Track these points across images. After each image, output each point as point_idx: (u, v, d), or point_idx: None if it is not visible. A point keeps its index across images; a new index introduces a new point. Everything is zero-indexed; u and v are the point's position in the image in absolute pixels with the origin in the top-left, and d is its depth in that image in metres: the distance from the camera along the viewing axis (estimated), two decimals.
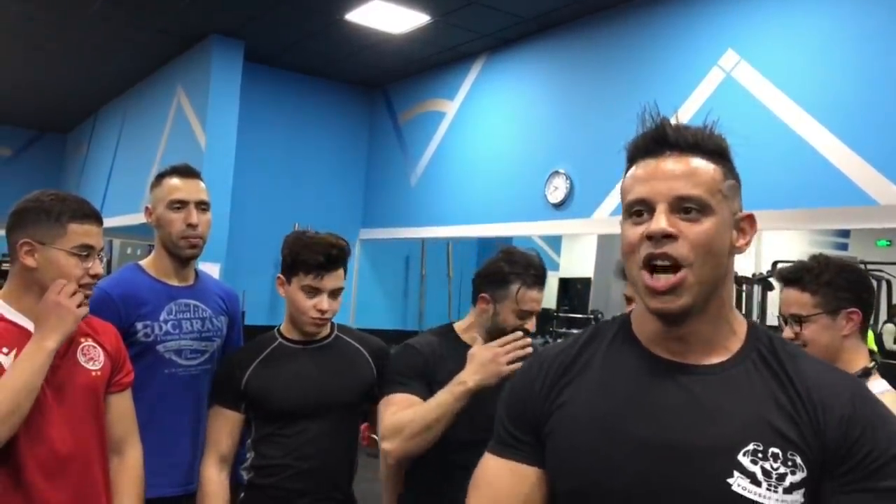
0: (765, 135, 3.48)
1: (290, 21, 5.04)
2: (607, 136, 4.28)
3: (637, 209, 0.99)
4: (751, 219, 1.01)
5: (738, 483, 0.88)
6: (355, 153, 6.57)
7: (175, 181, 2.03)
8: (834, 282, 1.65)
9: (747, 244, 0.99)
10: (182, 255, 2.03)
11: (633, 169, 1.03)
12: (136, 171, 6.71)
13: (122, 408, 1.75)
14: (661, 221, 0.94)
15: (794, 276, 1.69)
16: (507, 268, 1.85)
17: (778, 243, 10.96)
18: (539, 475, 1.02)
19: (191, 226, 2.00)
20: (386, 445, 1.69)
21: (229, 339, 2.16)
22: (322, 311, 1.88)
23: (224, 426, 1.92)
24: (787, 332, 1.68)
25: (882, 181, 3.04)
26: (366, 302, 6.43)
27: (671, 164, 0.98)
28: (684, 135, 0.99)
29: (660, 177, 0.97)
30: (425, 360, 1.81)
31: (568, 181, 4.45)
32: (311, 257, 1.87)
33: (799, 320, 1.66)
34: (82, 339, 1.68)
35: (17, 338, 1.58)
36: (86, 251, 1.62)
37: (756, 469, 0.89)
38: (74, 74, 6.81)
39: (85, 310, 1.63)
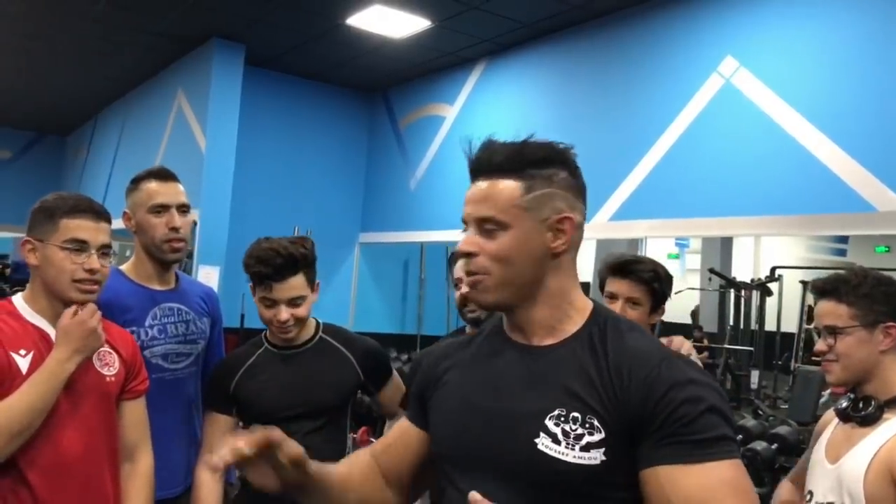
0: (763, 141, 3.50)
1: (291, 25, 5.06)
2: (606, 142, 4.29)
3: (463, 228, 1.16)
4: (568, 220, 1.11)
5: (542, 442, 1.02)
6: (355, 157, 6.58)
7: (154, 185, 2.01)
8: (872, 294, 1.60)
9: (565, 244, 1.11)
10: (165, 258, 2.02)
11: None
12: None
13: (135, 415, 1.76)
14: (462, 243, 1.13)
15: (831, 286, 1.64)
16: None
17: (776, 249, 10.98)
18: (420, 435, 1.23)
19: (173, 229, 1.99)
20: None
21: (211, 339, 2.17)
22: (282, 322, 1.87)
23: (217, 430, 1.94)
24: (821, 345, 1.64)
25: (880, 188, 3.06)
26: (365, 305, 6.43)
27: (478, 187, 1.13)
28: (489, 158, 1.12)
29: (471, 200, 1.13)
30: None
31: None
32: (259, 269, 1.86)
33: (833, 332, 1.62)
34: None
35: (34, 340, 1.60)
36: (78, 245, 1.61)
37: (557, 430, 1.02)
38: (75, 77, 6.82)
39: (104, 335, 1.65)
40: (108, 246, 1.67)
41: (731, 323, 9.15)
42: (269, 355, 1.97)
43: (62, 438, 1.57)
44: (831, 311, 1.62)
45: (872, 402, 1.57)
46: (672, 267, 12.27)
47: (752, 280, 9.42)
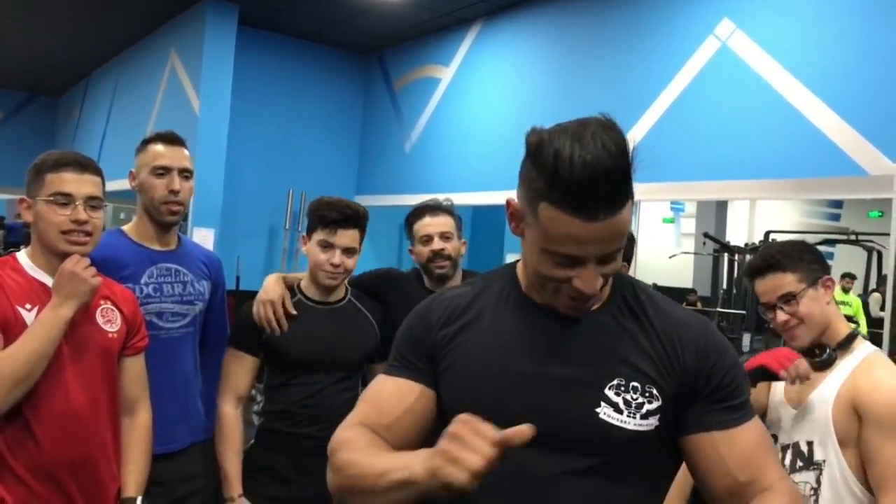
0: (759, 104, 3.49)
1: None
2: (603, 104, 4.25)
3: (566, 259, 1.03)
4: None
5: (604, 412, 1.05)
6: (350, 119, 6.54)
7: (159, 147, 2.06)
8: (804, 257, 1.77)
9: None
10: (163, 220, 2.05)
11: (556, 215, 0.99)
12: (130, 136, 6.67)
13: (135, 370, 1.82)
14: (593, 285, 1.03)
15: (773, 261, 1.78)
16: (412, 216, 2.29)
17: (771, 214, 11.01)
18: (425, 392, 1.15)
19: (172, 192, 2.02)
20: None
21: (213, 303, 2.20)
22: (335, 266, 2.04)
23: (242, 368, 2.08)
24: (782, 316, 1.75)
25: (873, 152, 3.06)
26: (360, 268, 6.44)
27: (606, 224, 0.98)
28: (613, 188, 0.97)
29: (594, 240, 0.99)
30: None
31: None
32: (327, 213, 2.05)
33: (789, 299, 1.74)
34: (102, 302, 1.74)
35: (39, 294, 1.64)
36: (62, 198, 1.64)
37: (619, 400, 1.06)
38: (67, 37, 6.74)
39: (99, 280, 1.68)
40: (96, 198, 1.70)
41: (725, 287, 9.22)
42: (304, 306, 2.11)
43: (67, 391, 1.63)
44: (781, 283, 1.76)
45: (827, 348, 1.74)
46: (667, 231, 12.35)
47: (746, 244, 9.47)
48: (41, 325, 1.57)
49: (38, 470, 1.59)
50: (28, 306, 1.61)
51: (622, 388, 1.06)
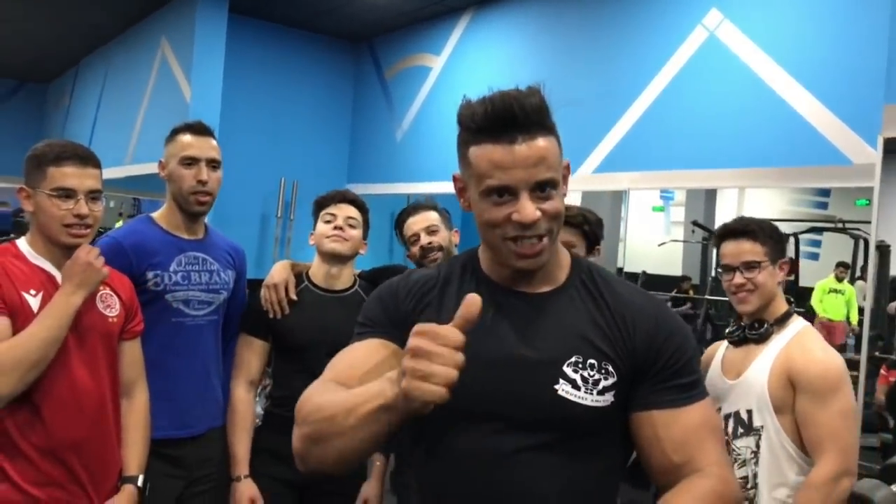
0: (746, 94, 3.53)
1: None
2: (592, 93, 4.31)
3: (497, 194, 1.08)
4: (568, 169, 1.15)
5: (563, 388, 1.08)
6: (341, 107, 6.55)
7: (188, 138, 2.10)
8: (773, 236, 1.94)
9: (566, 195, 1.15)
10: (191, 209, 2.10)
11: (482, 150, 1.08)
12: (120, 124, 6.67)
13: (132, 354, 1.87)
14: (529, 212, 1.06)
15: (748, 229, 1.94)
16: (398, 222, 2.39)
17: (760, 203, 11.06)
18: (399, 351, 1.08)
19: (200, 182, 2.07)
20: None
21: (235, 292, 2.26)
22: (338, 229, 2.15)
23: (253, 353, 2.16)
24: (739, 279, 1.92)
25: (857, 141, 3.11)
26: (358, 261, 6.48)
27: (527, 147, 1.05)
28: (525, 112, 1.05)
29: (519, 164, 1.05)
30: None
31: None
32: (327, 196, 2.22)
33: (751, 267, 1.91)
34: (101, 288, 1.79)
35: (42, 281, 1.69)
36: (65, 192, 1.68)
37: (577, 377, 1.08)
38: (55, 23, 6.71)
39: (107, 270, 1.74)
40: (97, 191, 1.74)
41: (713, 275, 9.29)
42: (309, 294, 2.18)
43: (72, 374, 1.69)
44: (750, 249, 1.92)
45: (765, 323, 1.92)
46: (657, 219, 12.41)
47: None
48: (53, 311, 1.62)
49: (45, 450, 1.65)
50: (32, 292, 1.66)
51: (580, 366, 1.09)
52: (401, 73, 6.03)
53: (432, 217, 2.34)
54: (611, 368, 1.10)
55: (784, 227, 10.23)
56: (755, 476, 1.86)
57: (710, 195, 10.90)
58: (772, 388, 1.84)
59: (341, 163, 6.52)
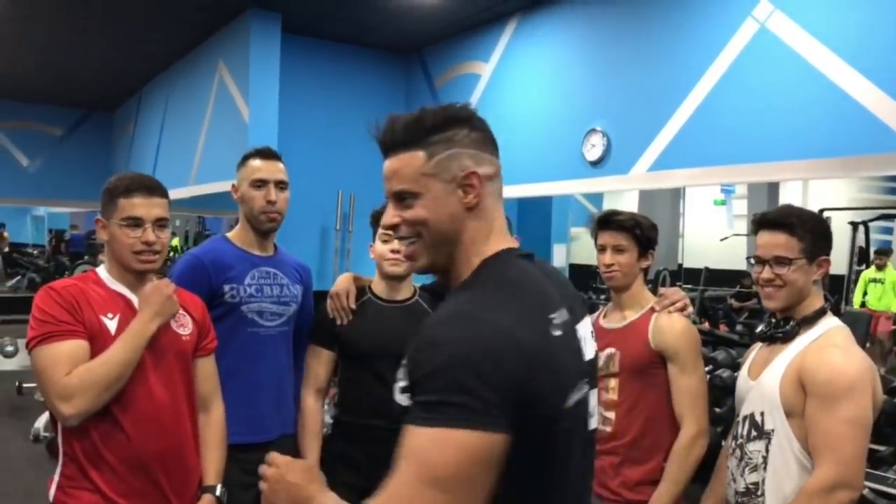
0: (801, 84, 3.47)
1: None
2: (643, 92, 4.29)
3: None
4: (475, 175, 1.18)
5: (397, 385, 1.09)
6: None
7: (257, 162, 2.29)
8: (815, 230, 1.80)
9: (476, 197, 1.17)
10: (262, 228, 2.28)
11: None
12: (183, 147, 6.90)
13: (207, 370, 2.00)
14: (387, 217, 1.23)
15: (786, 220, 1.81)
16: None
17: (826, 191, 10.75)
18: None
19: (270, 202, 2.25)
20: None
21: (303, 305, 2.41)
22: (395, 252, 2.19)
23: (320, 362, 2.27)
24: (768, 273, 1.81)
25: None
26: None
27: (387, 164, 1.23)
28: (391, 135, 1.22)
29: (385, 178, 1.24)
30: None
31: (605, 138, 4.48)
32: (382, 210, 2.20)
33: (782, 262, 1.79)
34: None
35: (119, 305, 1.83)
36: (133, 222, 1.81)
37: (399, 373, 1.09)
38: (119, 53, 6.99)
39: (179, 305, 1.89)
40: (163, 219, 1.86)
41: None
42: (372, 305, 2.28)
43: (150, 390, 1.80)
44: (784, 243, 1.79)
45: (791, 321, 1.81)
46: (718, 214, 12.16)
47: None
48: (130, 336, 1.75)
49: (129, 461, 1.76)
50: (110, 315, 1.80)
51: (402, 363, 1.08)
52: (451, 82, 6.09)
53: None
54: (400, 373, 1.09)
55: (853, 216, 9.91)
56: (763, 482, 1.77)
57: (773, 187, 10.65)
58: (783, 390, 1.75)
59: None
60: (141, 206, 1.82)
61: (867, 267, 9.97)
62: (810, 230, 1.80)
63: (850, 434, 1.64)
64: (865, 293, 8.35)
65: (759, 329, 1.94)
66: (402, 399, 1.07)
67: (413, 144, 1.19)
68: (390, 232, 2.22)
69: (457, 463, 0.95)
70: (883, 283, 8.18)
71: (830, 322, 1.81)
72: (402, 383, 1.08)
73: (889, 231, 11.09)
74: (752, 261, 1.88)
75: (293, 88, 5.92)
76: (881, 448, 3.73)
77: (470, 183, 1.17)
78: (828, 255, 1.82)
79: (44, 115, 9.53)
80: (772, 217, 1.84)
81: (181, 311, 1.92)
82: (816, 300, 1.83)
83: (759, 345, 1.99)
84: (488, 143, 1.23)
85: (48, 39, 6.55)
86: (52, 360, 1.69)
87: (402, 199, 1.20)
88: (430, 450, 0.96)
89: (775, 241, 1.81)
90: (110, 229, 1.83)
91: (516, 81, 5.39)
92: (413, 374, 1.03)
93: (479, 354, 0.98)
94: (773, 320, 1.89)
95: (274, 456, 1.20)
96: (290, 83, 5.83)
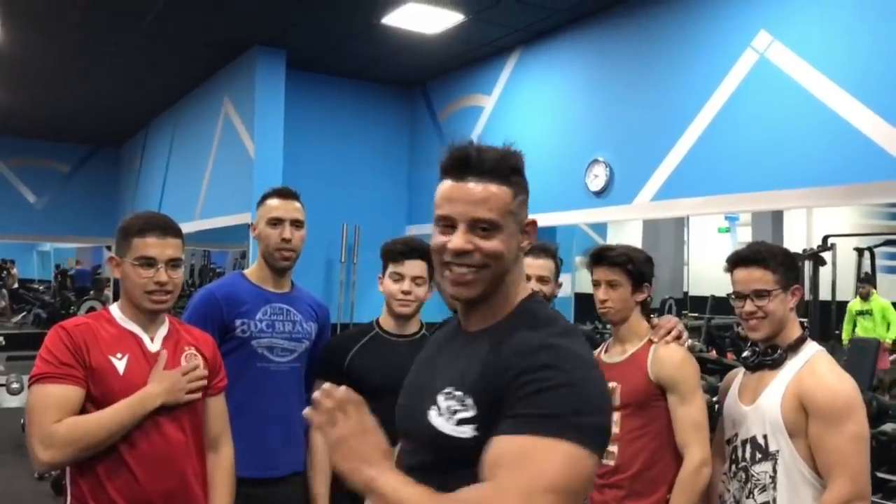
0: (802, 113, 3.50)
1: (329, 28, 5.19)
2: (645, 123, 4.33)
3: (443, 223, 1.24)
4: (533, 224, 1.27)
5: (432, 414, 1.18)
6: (398, 151, 6.70)
7: (275, 202, 2.33)
8: (785, 263, 1.95)
9: (530, 243, 1.26)
10: (277, 265, 2.32)
11: (442, 185, 1.25)
12: (189, 182, 6.95)
13: (217, 409, 1.99)
14: (460, 243, 1.20)
15: (759, 256, 1.96)
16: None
17: (830, 218, 10.75)
18: None
19: (285, 240, 2.28)
20: None
21: (318, 342, 2.42)
22: (405, 293, 2.26)
23: None
24: (750, 306, 1.94)
25: None
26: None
27: (470, 188, 1.20)
28: (480, 161, 1.21)
29: (462, 199, 1.20)
30: None
31: (608, 169, 4.51)
32: (394, 248, 2.30)
33: (762, 295, 1.93)
34: (186, 348, 1.91)
35: (129, 343, 1.83)
36: (147, 262, 1.81)
37: (444, 405, 1.17)
38: (126, 90, 7.09)
39: (186, 397, 1.86)
40: (177, 258, 1.87)
41: None
42: (380, 340, 2.31)
43: (160, 429, 1.80)
44: (760, 277, 1.94)
45: (778, 349, 1.94)
46: (723, 241, 12.16)
47: (804, 250, 9.28)
48: (132, 405, 1.75)
49: (135, 500, 1.74)
50: (119, 355, 1.80)
51: (448, 396, 1.18)
52: (454, 115, 6.15)
53: (550, 266, 2.41)
54: (470, 401, 1.14)
55: (859, 242, 9.84)
56: (775, 501, 1.88)
57: (777, 215, 10.64)
58: (785, 413, 1.87)
59: (400, 205, 6.65)
60: (154, 245, 1.83)
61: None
62: (781, 262, 1.94)
63: (857, 449, 1.77)
64: (855, 325, 8.02)
65: (744, 356, 2.05)
66: (447, 423, 1.14)
67: (502, 179, 1.22)
68: (401, 272, 2.25)
69: (570, 475, 1.02)
70: (871, 314, 7.86)
71: (813, 347, 1.95)
72: (459, 409, 1.14)
73: (894, 257, 11.06)
74: (733, 297, 2.00)
75: (298, 123, 5.98)
76: (894, 478, 3.68)
77: (528, 230, 1.27)
78: (799, 283, 1.97)
79: (51, 151, 9.60)
80: (745, 255, 1.99)
81: (193, 351, 1.93)
82: (795, 327, 1.98)
83: (740, 371, 2.11)
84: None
85: (56, 77, 6.64)
86: (43, 403, 1.69)
87: (483, 228, 1.20)
88: (536, 453, 1.02)
89: (752, 277, 1.95)
90: (124, 268, 1.84)
91: (519, 113, 5.43)
92: (522, 395, 1.07)
93: (592, 385, 1.11)
94: (758, 349, 2.00)
95: (342, 393, 1.18)
96: (295, 118, 5.89)
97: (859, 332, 7.84)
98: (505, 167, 1.23)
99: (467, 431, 1.13)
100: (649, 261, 2.30)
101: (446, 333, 1.36)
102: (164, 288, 1.83)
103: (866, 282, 7.94)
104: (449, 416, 1.15)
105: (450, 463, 1.15)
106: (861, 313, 7.80)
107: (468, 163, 1.21)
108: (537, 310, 1.26)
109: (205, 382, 1.88)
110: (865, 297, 7.81)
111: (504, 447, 1.04)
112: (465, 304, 1.27)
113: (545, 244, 2.44)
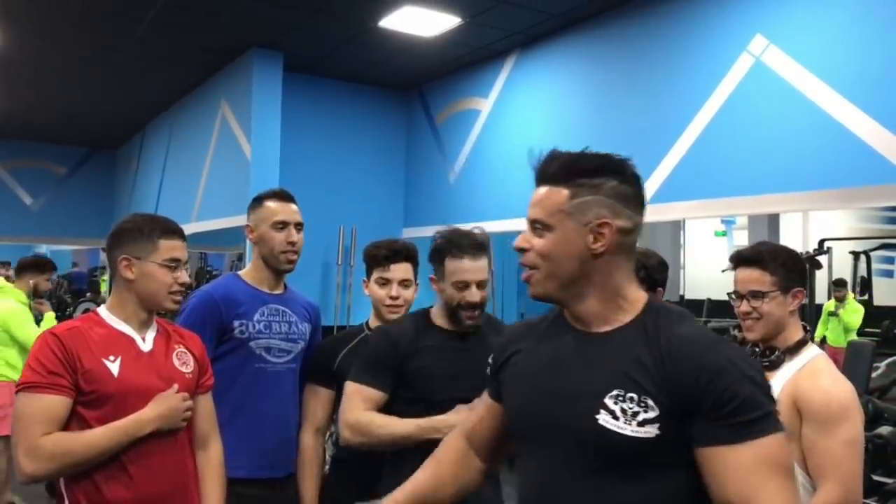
0: (798, 117, 3.51)
1: (326, 31, 5.20)
2: (640, 126, 4.34)
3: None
4: (608, 226, 1.24)
5: (603, 418, 1.18)
6: (395, 154, 6.71)
7: (276, 205, 2.32)
8: (787, 264, 1.93)
9: (604, 246, 1.24)
10: (281, 268, 2.32)
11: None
12: (185, 184, 6.95)
13: (206, 407, 1.99)
14: (518, 238, 1.30)
15: (757, 257, 1.94)
16: (438, 245, 2.08)
17: (826, 221, 10.80)
18: (495, 407, 1.43)
19: (291, 243, 2.29)
20: (346, 434, 1.98)
21: (311, 343, 2.42)
22: (393, 298, 2.26)
23: (319, 401, 2.27)
24: (745, 307, 1.94)
25: None
26: (418, 300, 6.55)
27: (536, 192, 1.31)
28: (544, 168, 1.30)
29: (530, 204, 1.31)
30: (397, 348, 2.03)
31: None
32: (378, 252, 2.28)
33: (758, 296, 1.92)
34: (176, 346, 1.92)
35: (122, 344, 1.83)
36: (174, 263, 1.86)
37: (616, 408, 1.17)
38: (123, 93, 7.09)
39: (181, 424, 1.86)
40: (187, 261, 1.93)
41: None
42: (369, 342, 2.22)
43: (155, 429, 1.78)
44: (757, 278, 1.92)
45: (776, 350, 1.92)
46: (720, 245, 12.17)
47: (801, 254, 9.31)
48: (124, 428, 1.74)
49: (131, 501, 1.74)
50: (112, 357, 1.79)
51: (620, 398, 1.18)
52: (451, 118, 6.15)
53: (485, 269, 2.08)
54: (650, 402, 1.16)
55: (855, 245, 9.89)
56: None
57: (773, 217, 10.68)
58: (780, 415, 1.85)
59: (397, 207, 6.65)
60: (179, 248, 1.88)
61: (869, 296, 9.93)
62: (782, 264, 1.92)
63: (849, 454, 1.76)
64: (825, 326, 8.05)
65: None
66: (628, 425, 1.16)
67: (561, 181, 1.27)
68: (387, 277, 2.25)
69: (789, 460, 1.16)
70: (840, 317, 7.79)
71: (813, 351, 1.93)
72: (638, 411, 1.16)
73: (891, 261, 11.10)
74: (733, 296, 2.00)
75: (295, 125, 5.99)
76: (889, 480, 3.69)
77: (602, 231, 1.24)
78: (802, 286, 1.93)
79: (48, 153, 9.60)
80: (745, 254, 1.98)
81: (183, 350, 1.93)
82: (796, 330, 1.95)
83: None
84: (634, 200, 1.27)
85: (53, 79, 6.64)
86: (30, 413, 1.68)
87: (535, 227, 1.28)
88: (779, 452, 1.14)
89: (750, 277, 1.94)
90: (143, 269, 1.83)
91: (515, 117, 5.44)
92: (730, 399, 1.12)
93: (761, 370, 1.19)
94: (756, 350, 1.99)
95: None
96: (292, 120, 5.90)
97: (829, 334, 7.93)
98: (568, 170, 1.27)
99: (651, 431, 1.15)
100: (663, 264, 2.27)
101: (552, 333, 1.33)
102: (185, 288, 1.89)
103: (842, 285, 8.02)
104: (628, 418, 1.16)
105: (631, 464, 1.18)
106: (832, 314, 7.91)
107: (537, 172, 1.31)
108: (668, 308, 1.29)
109: (190, 404, 1.88)
110: (841, 300, 7.89)
111: (749, 456, 1.12)
112: (564, 306, 1.31)
113: (474, 237, 2.08)
